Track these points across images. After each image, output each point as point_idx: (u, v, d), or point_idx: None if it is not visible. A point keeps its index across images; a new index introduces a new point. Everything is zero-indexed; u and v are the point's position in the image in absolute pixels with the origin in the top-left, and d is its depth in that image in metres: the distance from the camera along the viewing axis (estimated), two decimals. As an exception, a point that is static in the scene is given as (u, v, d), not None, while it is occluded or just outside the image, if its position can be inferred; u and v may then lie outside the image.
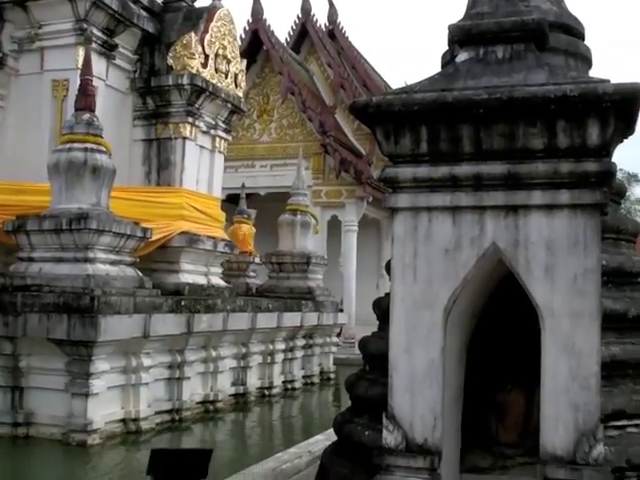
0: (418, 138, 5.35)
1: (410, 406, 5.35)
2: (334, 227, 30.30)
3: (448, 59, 6.23)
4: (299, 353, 18.64)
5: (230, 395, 15.25)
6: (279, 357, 17.34)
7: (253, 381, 16.22)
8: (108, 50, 15.97)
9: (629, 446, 5.54)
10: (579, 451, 4.95)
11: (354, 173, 29.15)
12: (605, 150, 5.07)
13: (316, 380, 19.50)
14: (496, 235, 5.22)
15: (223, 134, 17.85)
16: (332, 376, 20.41)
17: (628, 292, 6.24)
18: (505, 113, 5.11)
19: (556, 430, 5.02)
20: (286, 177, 26.91)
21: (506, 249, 5.19)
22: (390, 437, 5.36)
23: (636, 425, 5.67)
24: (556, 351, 5.04)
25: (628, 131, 5.43)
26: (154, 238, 14.37)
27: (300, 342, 18.67)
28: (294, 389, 17.95)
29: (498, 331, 6.65)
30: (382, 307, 6.65)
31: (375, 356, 6.55)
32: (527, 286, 5.13)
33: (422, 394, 5.32)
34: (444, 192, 5.33)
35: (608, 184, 5.20)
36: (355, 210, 30.31)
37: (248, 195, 28.10)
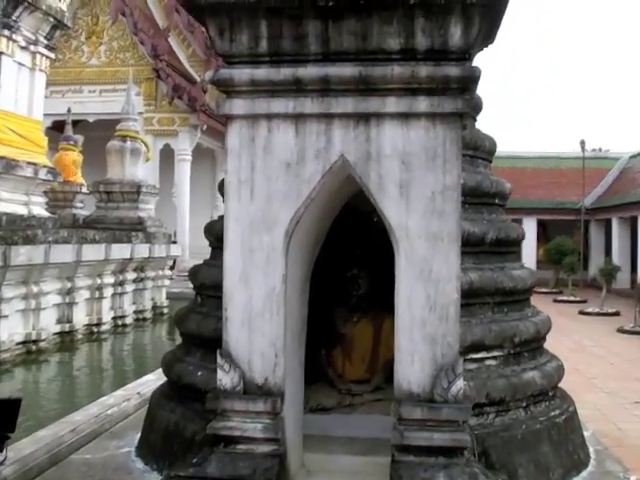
0: (257, 34, 4.61)
1: (248, 342, 4.69)
2: (167, 157, 29.19)
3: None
4: (130, 287, 17.68)
5: (55, 333, 14.17)
6: (108, 292, 16.33)
7: (80, 318, 15.18)
8: None
9: (488, 380, 5.13)
10: (437, 388, 4.46)
11: (188, 100, 28.03)
12: (467, 54, 4.51)
13: (148, 315, 18.63)
14: (345, 147, 4.58)
15: (45, 51, 16.37)
16: (165, 311, 19.60)
17: (486, 214, 5.79)
18: (357, 7, 4.43)
19: (412, 365, 4.50)
20: (116, 103, 25.27)
21: (356, 163, 4.57)
22: (226, 378, 4.69)
23: (495, 357, 5.26)
24: (412, 278, 4.50)
25: (491, 36, 4.87)
26: (-34, 163, 13.10)
27: (131, 275, 17.69)
28: (125, 325, 17.03)
29: (342, 257, 6.13)
30: (215, 232, 5.95)
31: (207, 286, 5.86)
32: (379, 205, 4.55)
33: (261, 328, 4.67)
34: (286, 97, 4.62)
35: (470, 91, 4.66)
36: (189, 139, 29.30)
37: (76, 122, 26.58)
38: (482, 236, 5.53)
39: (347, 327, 6.21)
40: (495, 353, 5.26)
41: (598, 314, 22.34)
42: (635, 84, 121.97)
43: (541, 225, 37.09)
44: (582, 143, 35.25)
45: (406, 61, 4.47)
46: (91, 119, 29.42)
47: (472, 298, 5.23)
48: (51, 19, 15.79)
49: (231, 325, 4.72)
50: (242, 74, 4.64)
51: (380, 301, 6.12)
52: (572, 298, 27.27)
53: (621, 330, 18.31)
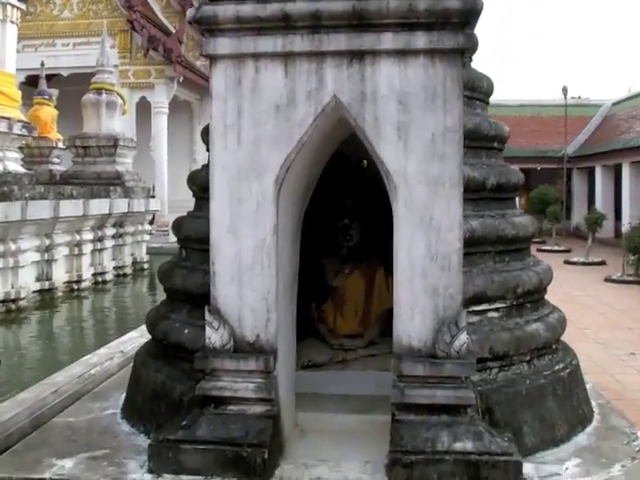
0: (242, -34, 4.27)
1: (238, 297, 4.43)
2: (144, 110, 28.60)
3: None
4: (109, 243, 17.27)
5: (34, 292, 13.82)
6: (87, 248, 15.93)
7: (60, 275, 14.83)
8: None
9: (491, 333, 4.87)
10: (439, 342, 4.22)
11: (163, 51, 27.37)
12: (468, -16, 4.19)
13: (129, 271, 18.29)
14: (338, 87, 4.28)
15: (15, 2, 15.84)
16: (146, 266, 19.24)
17: (485, 158, 5.50)
18: None
19: (412, 319, 4.26)
20: (90, 57, 24.45)
21: (350, 104, 4.28)
22: (215, 335, 4.43)
23: (497, 309, 5.00)
24: (411, 226, 4.23)
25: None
26: (-64, 117, 12.63)
27: (110, 231, 17.27)
28: (105, 282, 16.69)
29: (332, 206, 5.85)
30: (199, 181, 5.64)
31: (193, 239, 5.56)
32: (376, 149, 4.26)
33: (252, 282, 4.41)
34: (274, 35, 4.31)
35: (471, 26, 4.35)
36: (165, 91, 28.65)
37: (50, 77, 25.92)
38: (482, 181, 5.23)
39: (338, 279, 5.95)
40: (497, 305, 4.99)
41: (584, 264, 22.24)
42: (614, 31, 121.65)
43: (523, 174, 36.93)
44: (564, 90, 34.87)
45: (403, -7, 4.16)
46: (65, 73, 28.72)
47: (473, 247, 4.94)
48: (21, -33, 15.24)
49: (219, 279, 4.45)
50: (227, 10, 4.31)
51: (372, 252, 5.87)
52: (556, 248, 27.19)
53: (609, 279, 18.23)
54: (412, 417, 4.23)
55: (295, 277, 4.94)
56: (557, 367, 5.17)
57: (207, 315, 4.43)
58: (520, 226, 5.37)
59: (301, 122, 4.29)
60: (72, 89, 25.36)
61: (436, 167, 4.19)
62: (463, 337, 4.20)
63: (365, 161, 5.83)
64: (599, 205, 31.42)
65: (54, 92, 22.85)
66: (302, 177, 4.68)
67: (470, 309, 4.72)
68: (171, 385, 5.06)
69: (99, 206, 16.30)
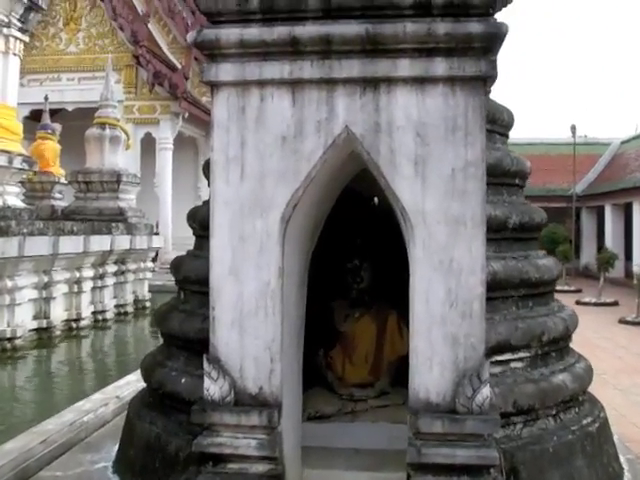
0: (247, -12, 3.96)
1: (239, 345, 4.08)
2: (148, 146, 28.55)
3: None
4: (110, 280, 16.96)
5: (31, 330, 13.47)
6: (87, 285, 15.62)
7: (58, 313, 14.49)
8: None
9: (515, 385, 4.49)
10: (460, 396, 3.85)
11: (169, 87, 27.35)
12: (491, 8, 3.88)
13: (130, 309, 17.94)
14: (350, 118, 3.97)
15: (18, 34, 15.67)
16: (147, 305, 18.88)
17: (506, 196, 5.16)
18: (362, -46, 3.81)
19: (430, 370, 3.89)
20: (95, 91, 24.38)
21: (363, 136, 3.96)
22: (214, 387, 4.07)
23: (521, 359, 4.63)
24: (430, 269, 3.89)
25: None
26: None
27: (111, 268, 16.96)
28: (105, 320, 16.33)
29: (341, 246, 5.50)
30: (200, 218, 5.31)
31: (192, 280, 5.21)
32: (391, 185, 3.93)
33: (255, 329, 4.06)
34: (281, 61, 4.00)
35: (495, 51, 4.03)
36: (170, 127, 28.62)
37: (55, 111, 25.84)
38: (504, 220, 4.89)
39: (347, 324, 5.58)
40: (521, 354, 4.63)
41: (596, 304, 21.82)
42: (621, 70, 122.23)
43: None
44: (573, 128, 34.66)
45: (420, 17, 3.85)
46: (70, 108, 28.74)
47: (495, 291, 4.58)
48: (24, 0, 15.06)
49: (219, 325, 4.09)
50: (230, 34, 3.99)
51: (384, 294, 5.52)
52: (567, 288, 26.75)
53: (623, 321, 17.83)
54: (430, 478, 3.85)
55: (302, 323, 4.59)
56: (585, 421, 4.79)
57: (205, 364, 4.07)
58: (544, 269, 5.02)
59: (310, 155, 3.96)
60: (77, 124, 25.26)
61: (457, 205, 3.85)
62: (486, 391, 3.83)
63: (376, 198, 5.50)
64: (609, 244, 31.06)
65: (57, 126, 22.71)
66: (310, 215, 4.34)
67: (492, 359, 4.35)
68: (166, 439, 4.69)
69: (100, 242, 16.02)
